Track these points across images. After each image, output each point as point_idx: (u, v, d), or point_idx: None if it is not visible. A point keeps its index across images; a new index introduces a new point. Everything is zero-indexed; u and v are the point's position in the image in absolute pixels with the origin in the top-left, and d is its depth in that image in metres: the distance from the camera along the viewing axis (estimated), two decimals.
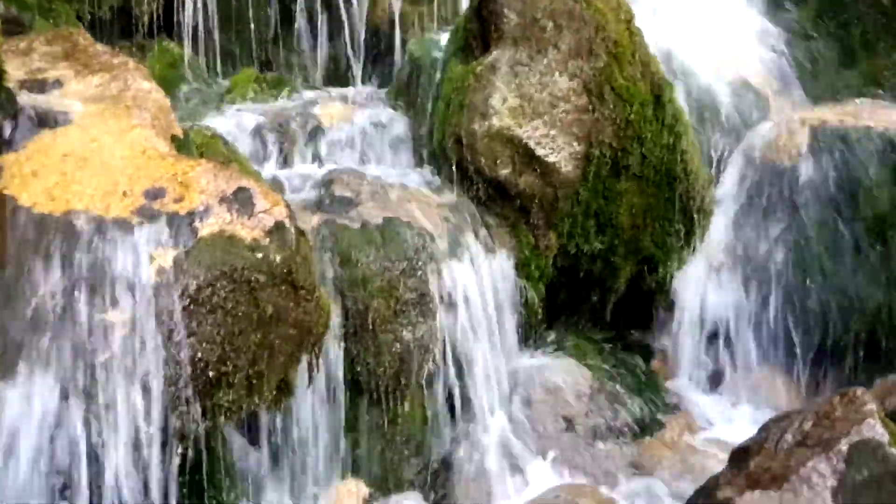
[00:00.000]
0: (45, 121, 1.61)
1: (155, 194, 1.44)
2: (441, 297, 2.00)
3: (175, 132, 1.73)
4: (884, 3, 2.53)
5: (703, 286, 2.41)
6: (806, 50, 2.62)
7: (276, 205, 1.48)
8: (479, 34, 2.23)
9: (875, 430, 1.27)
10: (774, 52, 2.66)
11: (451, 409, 2.02)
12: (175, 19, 2.87)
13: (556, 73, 2.15)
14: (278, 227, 1.45)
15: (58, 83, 1.77)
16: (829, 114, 2.37)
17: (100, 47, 2.01)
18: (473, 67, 2.18)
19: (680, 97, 2.43)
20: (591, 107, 2.17)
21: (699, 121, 2.49)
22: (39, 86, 1.76)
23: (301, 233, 1.52)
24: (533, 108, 2.16)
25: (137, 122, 1.64)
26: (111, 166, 1.50)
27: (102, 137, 1.58)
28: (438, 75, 2.41)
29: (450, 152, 2.22)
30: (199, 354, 1.32)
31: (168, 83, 2.81)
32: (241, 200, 1.45)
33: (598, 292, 2.42)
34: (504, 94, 2.15)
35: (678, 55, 2.55)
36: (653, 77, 2.20)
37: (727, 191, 2.42)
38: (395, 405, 1.92)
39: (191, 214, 1.39)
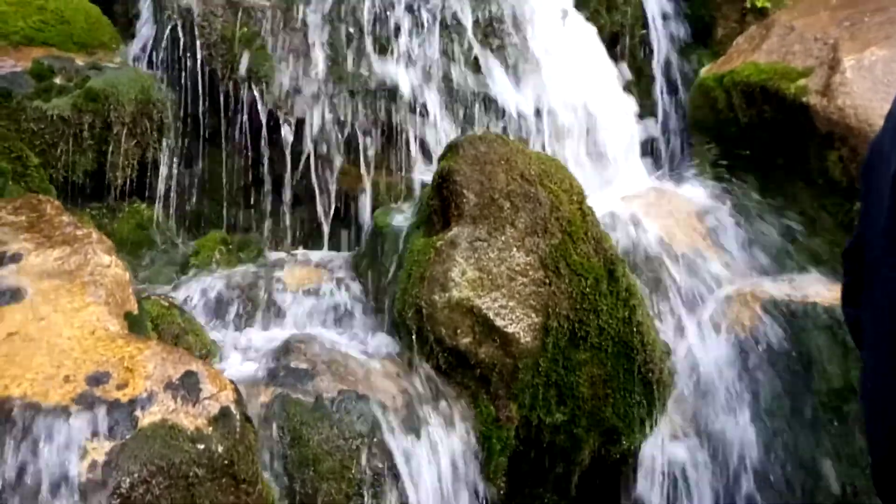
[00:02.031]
0: None
1: (98, 379, 1.41)
2: (397, 477, 1.92)
3: (130, 308, 1.72)
4: (818, 182, 2.71)
5: (667, 459, 2.36)
6: (751, 224, 2.77)
7: (224, 389, 1.45)
8: (440, 210, 2.32)
9: None
10: (723, 225, 2.80)
11: None
12: (147, 182, 2.95)
13: (514, 249, 2.23)
14: (223, 413, 1.41)
15: (16, 257, 1.77)
16: (777, 288, 2.47)
17: (66, 218, 2.05)
18: (434, 242, 2.25)
19: (636, 265, 2.54)
20: (547, 280, 2.23)
21: (652, 291, 2.56)
22: None
23: (247, 419, 1.48)
24: (492, 281, 2.22)
25: (92, 299, 1.63)
26: (57, 348, 1.48)
27: (52, 316, 1.56)
28: (402, 245, 2.48)
29: (410, 322, 2.23)
30: None
31: (135, 246, 2.86)
32: (187, 386, 1.41)
33: (563, 465, 2.37)
34: (464, 268, 2.21)
35: (631, 226, 2.67)
36: (605, 253, 2.29)
37: (684, 362, 2.44)
38: None
39: (132, 402, 1.35)
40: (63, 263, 1.78)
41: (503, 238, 2.23)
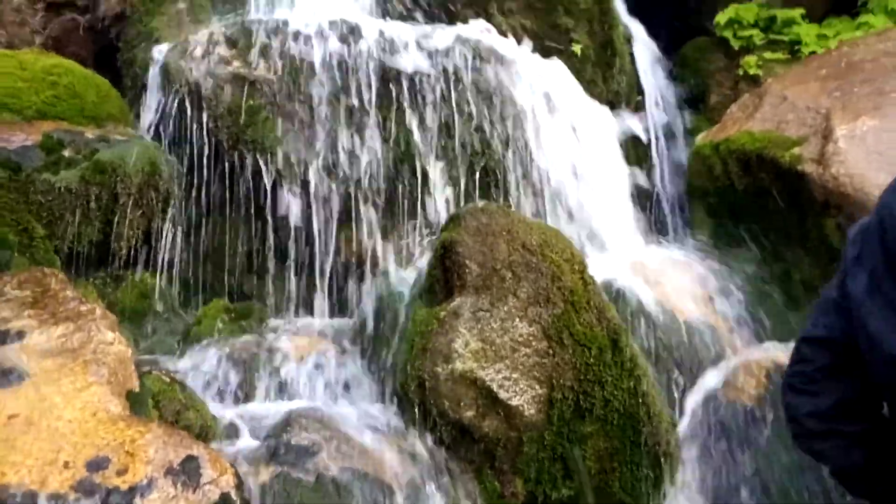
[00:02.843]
0: None
1: (98, 464, 1.39)
2: None
3: (132, 386, 1.71)
4: (818, 250, 2.72)
5: None
6: (753, 291, 2.77)
7: (224, 473, 1.43)
8: (442, 280, 2.33)
9: None
10: (725, 293, 2.80)
11: None
12: (151, 250, 2.97)
13: (517, 319, 2.23)
14: (224, 500, 1.38)
15: (20, 335, 1.77)
16: (782, 357, 2.44)
17: (70, 292, 2.06)
18: (437, 313, 2.25)
19: (639, 334, 2.53)
20: (551, 351, 2.22)
21: (657, 360, 2.55)
22: (0, 337, 1.76)
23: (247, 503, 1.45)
24: (495, 352, 2.20)
25: (94, 379, 1.62)
26: (57, 431, 1.46)
27: (54, 397, 1.55)
28: (404, 315, 2.48)
29: (413, 395, 2.21)
30: None
31: (138, 315, 2.86)
32: (188, 471, 1.39)
33: None
34: (467, 339, 2.20)
35: (633, 295, 2.67)
36: (608, 323, 2.29)
37: (690, 432, 2.41)
38: None
39: (132, 490, 1.33)
40: (66, 341, 1.77)
41: (506, 308, 2.23)
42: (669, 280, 2.76)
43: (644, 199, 3.25)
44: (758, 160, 2.85)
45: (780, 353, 2.50)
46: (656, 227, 3.22)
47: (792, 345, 2.54)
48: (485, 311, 2.23)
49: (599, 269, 2.52)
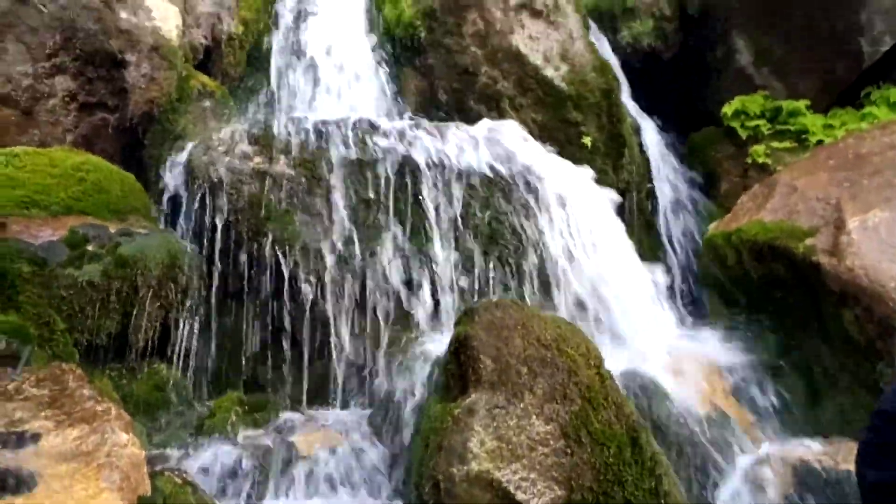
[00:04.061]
0: (10, 485, 1.58)
1: None
2: None
3: (143, 490, 1.69)
4: (837, 341, 2.69)
5: None
6: (773, 384, 2.72)
7: None
8: (457, 375, 2.32)
9: None
10: (745, 384, 2.76)
11: None
12: (168, 341, 2.99)
13: (534, 417, 2.20)
14: None
15: (35, 438, 1.77)
16: (808, 453, 2.38)
17: (87, 391, 2.07)
18: (452, 410, 2.22)
19: (660, 429, 2.47)
20: (569, 450, 2.17)
21: (678, 455, 2.48)
22: (16, 440, 1.76)
23: None
24: (511, 451, 2.16)
25: (106, 485, 1.61)
26: None
27: None
28: (418, 409, 2.46)
29: (427, 496, 2.16)
30: None
31: (152, 408, 2.85)
32: None
33: None
34: (482, 437, 2.16)
35: (652, 389, 2.63)
36: (627, 419, 2.25)
37: None
38: None
39: None
40: (81, 443, 1.77)
41: (522, 405, 2.21)
42: (689, 372, 2.72)
43: (658, 287, 3.25)
44: (771, 250, 2.86)
45: (804, 447, 2.44)
46: (673, 317, 3.21)
47: (816, 439, 2.49)
48: (500, 408, 2.20)
49: (616, 361, 2.50)
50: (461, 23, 3.52)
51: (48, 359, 2.54)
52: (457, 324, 2.41)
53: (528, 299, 2.82)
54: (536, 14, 3.50)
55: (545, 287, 2.90)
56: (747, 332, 2.93)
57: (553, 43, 3.51)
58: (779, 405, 2.67)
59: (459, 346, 2.30)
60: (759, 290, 2.93)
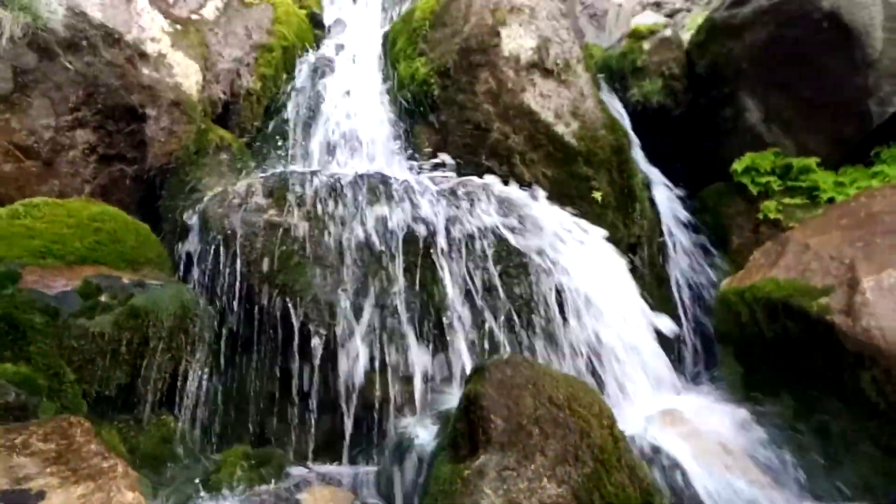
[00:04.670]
0: None
1: None
2: None
3: None
4: (855, 404, 2.63)
5: None
6: (791, 445, 2.66)
7: None
8: (467, 434, 2.28)
9: None
10: (762, 446, 2.70)
11: None
12: (176, 393, 2.98)
13: (545, 479, 2.15)
14: None
15: (40, 495, 1.75)
16: None
17: (94, 446, 2.05)
18: (461, 471, 2.18)
19: (675, 493, 2.41)
20: None
21: None
22: (21, 498, 1.74)
23: None
24: None
25: None
26: None
27: None
28: (427, 467, 2.41)
29: None
30: None
31: (158, 461, 2.82)
32: None
33: None
34: (492, 500, 2.11)
35: (666, 450, 2.58)
36: (641, 483, 2.20)
37: None
38: None
39: None
40: (86, 502, 1.75)
41: (533, 467, 2.16)
42: (704, 432, 2.67)
43: (671, 344, 3.22)
44: (785, 308, 2.83)
45: None
46: (686, 374, 3.16)
47: None
48: (511, 469, 2.16)
49: (630, 421, 2.46)
50: (474, 81, 3.59)
51: (57, 410, 2.53)
52: (467, 381, 2.39)
53: (538, 355, 2.79)
54: (547, 73, 3.57)
55: (556, 343, 2.87)
56: (762, 391, 2.88)
57: (564, 101, 3.57)
58: (797, 468, 2.61)
59: (469, 405, 2.27)
60: (773, 348, 2.89)
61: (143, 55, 3.32)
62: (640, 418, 2.60)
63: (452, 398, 2.76)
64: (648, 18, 4.77)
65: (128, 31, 3.29)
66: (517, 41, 3.60)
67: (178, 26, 3.57)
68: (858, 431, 2.55)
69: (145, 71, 3.26)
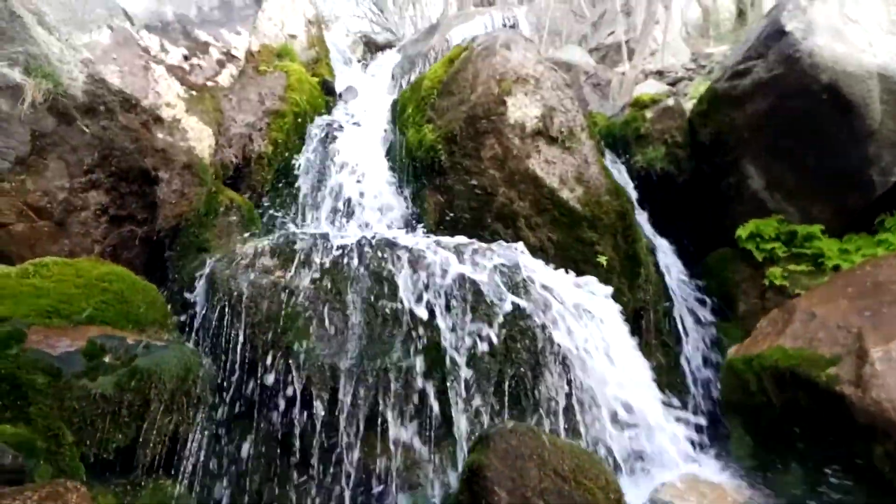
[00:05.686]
0: None
1: None
2: None
3: None
4: (869, 479, 2.56)
5: None
6: None
7: None
8: None
9: None
10: None
11: None
12: (175, 456, 2.93)
13: None
14: None
15: None
16: None
17: None
18: None
19: None
20: None
21: None
22: None
23: None
24: None
25: None
26: None
27: None
28: None
29: None
30: None
31: None
32: None
33: None
34: None
35: None
36: None
37: None
38: None
39: None
40: None
41: None
42: None
43: (677, 413, 3.17)
44: (792, 378, 2.80)
45: None
46: (694, 444, 3.10)
47: None
48: None
49: (637, 493, 2.40)
50: (480, 147, 3.67)
51: (54, 474, 2.49)
52: (471, 450, 2.35)
53: (544, 422, 2.75)
54: (552, 140, 3.64)
55: (562, 408, 2.83)
56: (772, 462, 2.82)
57: (568, 167, 3.63)
58: None
59: (473, 476, 2.23)
60: (782, 418, 2.84)
61: (159, 119, 3.41)
62: (647, 490, 2.54)
63: (456, 468, 2.70)
64: (651, 87, 4.89)
65: (144, 97, 3.39)
66: (522, 110, 3.69)
67: (194, 92, 3.68)
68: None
69: (160, 135, 3.35)
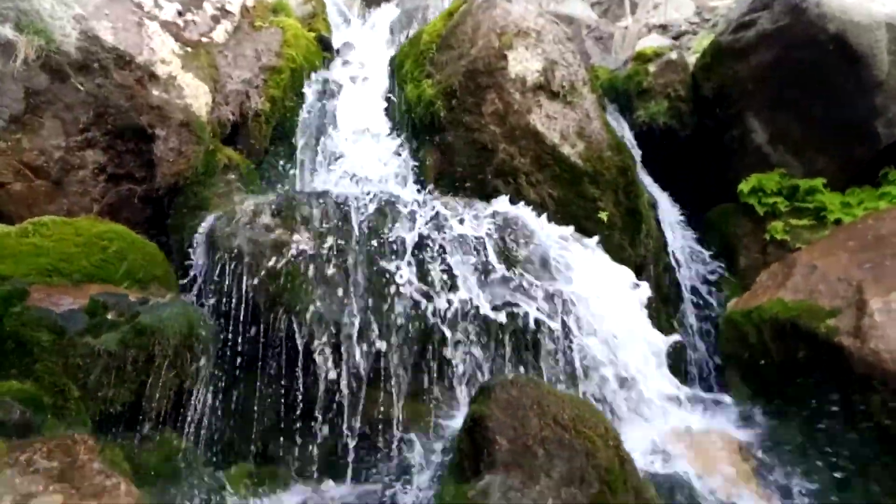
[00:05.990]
0: None
1: None
2: None
3: None
4: (866, 428, 2.60)
5: None
6: (798, 466, 2.63)
7: None
8: (471, 455, 2.27)
9: None
10: (769, 468, 2.66)
11: None
12: (180, 411, 2.97)
13: (550, 500, 2.12)
14: None
15: None
16: None
17: (97, 464, 2.04)
18: (466, 491, 2.16)
19: None
20: None
21: None
22: None
23: None
24: None
25: None
26: None
27: None
28: (431, 486, 2.39)
29: None
30: None
31: (162, 479, 2.80)
32: None
33: None
34: None
35: (673, 471, 2.55)
36: None
37: None
38: None
39: None
40: None
41: (538, 488, 2.14)
42: (710, 452, 2.64)
43: (678, 364, 3.20)
44: (793, 329, 2.81)
45: None
46: (693, 394, 3.13)
47: None
48: (516, 490, 2.14)
49: (636, 440, 2.44)
50: (480, 103, 3.62)
51: (62, 427, 2.53)
52: (472, 401, 2.37)
53: (543, 373, 2.77)
54: (553, 95, 3.60)
55: (562, 361, 2.86)
56: (769, 411, 2.85)
57: (570, 122, 3.59)
58: (805, 489, 2.57)
59: (474, 426, 2.26)
60: (781, 369, 2.87)
61: (154, 76, 3.37)
62: (646, 438, 2.58)
63: (458, 420, 2.74)
64: (654, 41, 4.81)
65: (139, 54, 3.34)
66: (523, 64, 3.63)
67: (189, 49, 3.62)
68: (868, 456, 2.51)
69: (155, 92, 3.31)
